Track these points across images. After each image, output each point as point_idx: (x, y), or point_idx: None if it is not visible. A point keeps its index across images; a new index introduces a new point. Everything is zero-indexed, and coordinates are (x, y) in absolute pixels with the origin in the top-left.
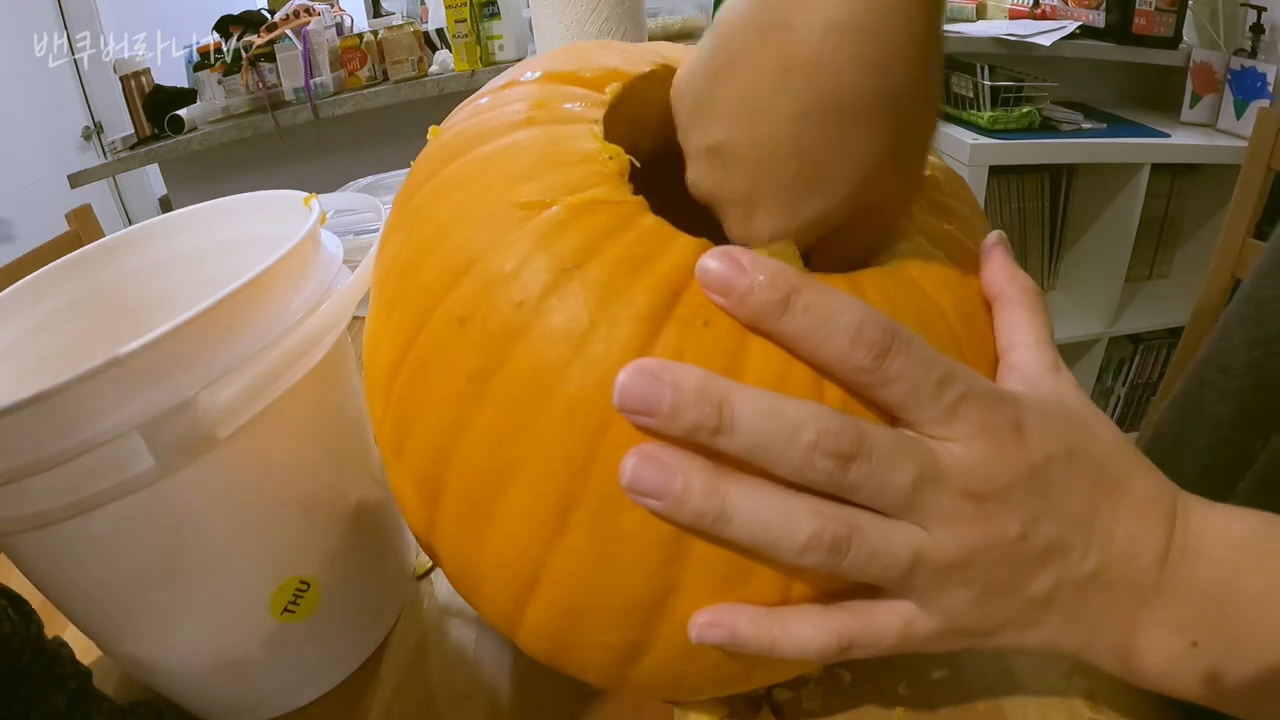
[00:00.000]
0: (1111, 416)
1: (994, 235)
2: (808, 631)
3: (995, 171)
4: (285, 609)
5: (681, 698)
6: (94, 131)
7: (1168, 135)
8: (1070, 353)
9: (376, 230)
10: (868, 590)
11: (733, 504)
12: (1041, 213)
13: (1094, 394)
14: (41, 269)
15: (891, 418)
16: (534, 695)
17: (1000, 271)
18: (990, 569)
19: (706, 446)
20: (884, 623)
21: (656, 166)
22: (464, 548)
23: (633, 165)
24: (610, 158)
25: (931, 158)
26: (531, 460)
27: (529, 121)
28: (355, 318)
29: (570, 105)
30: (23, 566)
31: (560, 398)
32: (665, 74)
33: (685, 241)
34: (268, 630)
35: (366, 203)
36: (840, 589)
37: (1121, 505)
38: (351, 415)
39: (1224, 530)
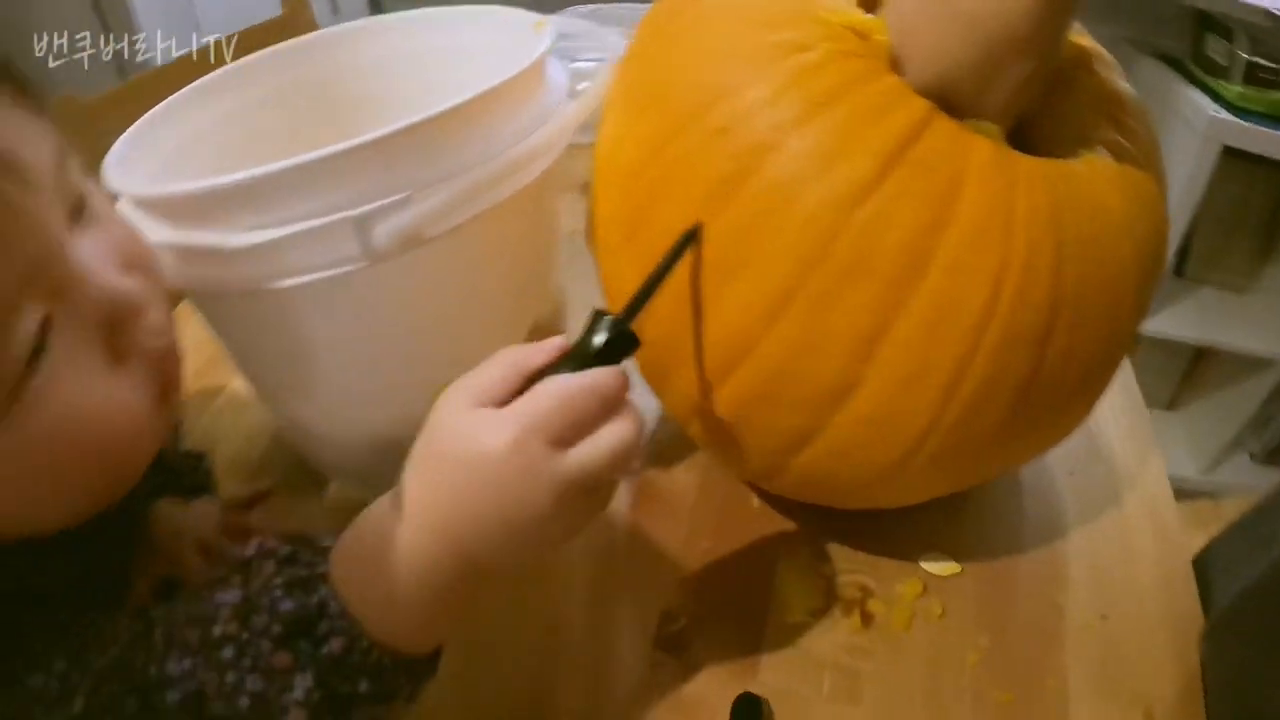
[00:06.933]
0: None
1: None
2: None
3: (1229, 152)
4: None
5: (820, 497)
6: None
7: None
8: (1245, 369)
9: (593, 59)
10: None
11: None
12: (1263, 210)
13: (1251, 422)
14: (254, 54)
15: (1033, 371)
16: None
17: None
18: None
19: None
20: None
21: None
22: (675, 327)
23: None
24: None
25: (1122, 81)
26: (763, 257)
27: None
28: (571, 145)
29: None
30: (216, 325)
31: (801, 207)
32: None
33: (920, 102)
34: (422, 419)
35: (586, 30)
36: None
37: None
38: (544, 237)
39: None
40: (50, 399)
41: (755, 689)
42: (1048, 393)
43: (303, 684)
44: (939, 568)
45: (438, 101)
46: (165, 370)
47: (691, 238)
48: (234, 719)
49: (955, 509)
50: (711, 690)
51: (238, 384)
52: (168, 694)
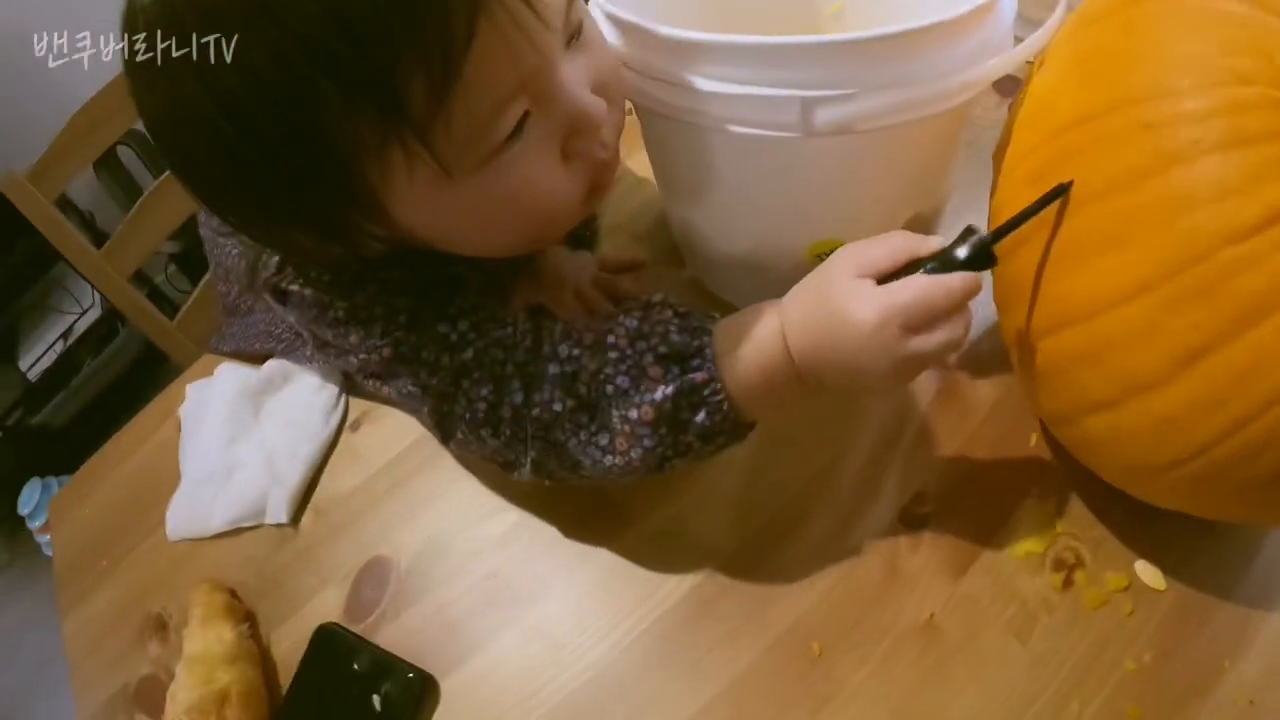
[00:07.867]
0: None
1: None
2: None
3: None
4: (818, 256)
5: (1090, 460)
6: None
7: None
8: None
9: None
10: None
11: None
12: None
13: None
14: None
15: None
16: None
17: None
18: None
19: None
20: None
21: None
22: (1043, 266)
23: None
24: None
25: None
26: (1138, 247)
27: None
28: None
29: None
30: (649, 132)
31: (1185, 222)
32: None
33: None
34: (800, 265)
35: None
36: None
37: None
38: (951, 145)
39: None
40: (512, 171)
41: (956, 591)
42: None
43: (662, 392)
44: (1150, 577)
45: None
46: (601, 176)
47: (1063, 191)
48: (594, 399)
49: (1194, 534)
50: (924, 572)
51: (635, 164)
52: (549, 366)
